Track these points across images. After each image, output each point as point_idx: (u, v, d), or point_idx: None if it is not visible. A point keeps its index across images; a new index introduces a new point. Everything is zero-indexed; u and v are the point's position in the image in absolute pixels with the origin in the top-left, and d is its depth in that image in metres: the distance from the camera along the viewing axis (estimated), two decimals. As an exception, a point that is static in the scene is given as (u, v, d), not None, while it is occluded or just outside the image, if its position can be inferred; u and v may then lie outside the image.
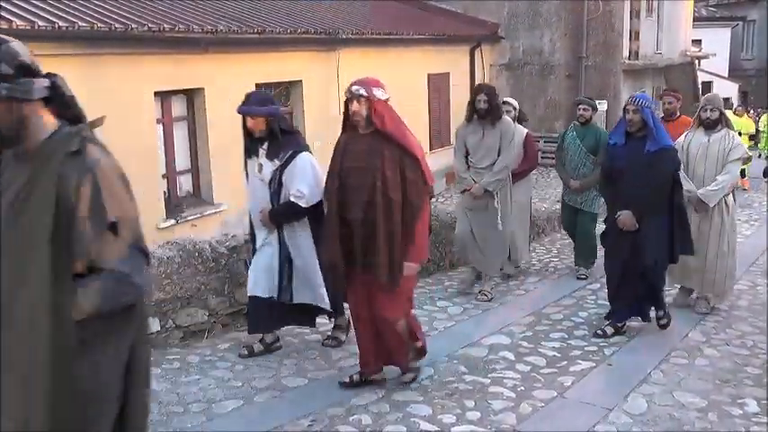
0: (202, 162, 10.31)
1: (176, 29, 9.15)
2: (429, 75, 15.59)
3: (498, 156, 6.20)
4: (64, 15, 8.05)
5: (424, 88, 15.47)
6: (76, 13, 8.28)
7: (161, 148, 9.71)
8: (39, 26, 7.50)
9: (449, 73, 16.26)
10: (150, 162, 9.18)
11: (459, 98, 16.07)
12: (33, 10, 7.94)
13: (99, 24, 8.18)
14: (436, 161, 13.35)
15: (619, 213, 5.19)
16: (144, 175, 8.92)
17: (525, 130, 7.22)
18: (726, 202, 5.83)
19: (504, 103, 7.04)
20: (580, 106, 7.24)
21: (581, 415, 4.05)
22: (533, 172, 7.66)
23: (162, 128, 9.76)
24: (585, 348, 5.15)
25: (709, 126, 5.80)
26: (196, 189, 10.41)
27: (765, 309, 6.11)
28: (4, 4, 7.74)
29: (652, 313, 5.46)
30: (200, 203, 10.27)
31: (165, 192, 9.74)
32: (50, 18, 7.79)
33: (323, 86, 12.34)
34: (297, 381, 4.47)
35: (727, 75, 32.36)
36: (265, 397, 4.24)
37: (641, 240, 5.15)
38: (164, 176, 9.75)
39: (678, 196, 5.27)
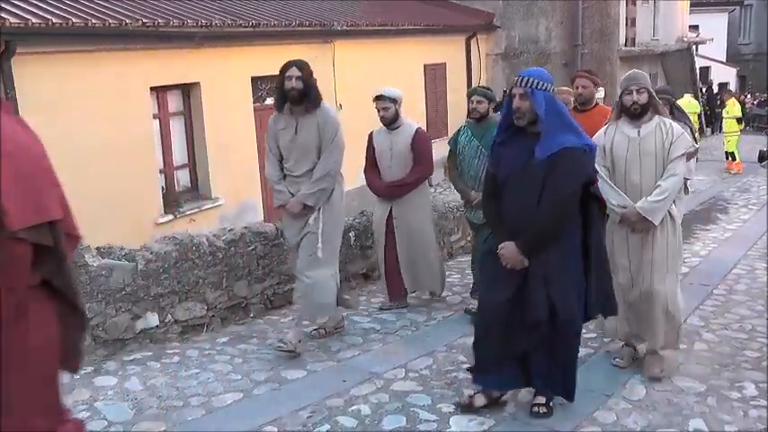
0: (200, 157, 10.31)
1: (170, 24, 9.13)
2: (425, 65, 15.56)
3: (319, 158, 4.68)
4: (57, 12, 8.01)
5: (421, 79, 15.44)
6: (70, 10, 8.24)
7: (158, 143, 9.70)
8: (32, 23, 7.47)
9: (445, 63, 16.23)
10: (147, 157, 9.18)
11: (455, 88, 16.06)
12: (27, 7, 7.89)
13: (93, 20, 8.15)
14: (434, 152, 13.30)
15: (501, 245, 3.63)
16: (141, 171, 8.93)
17: (416, 125, 5.65)
18: (670, 215, 4.25)
19: (379, 98, 5.47)
20: (473, 98, 5.43)
21: (580, 401, 4.05)
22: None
23: (158, 123, 9.75)
24: (584, 335, 5.14)
25: (637, 115, 4.22)
26: (194, 184, 10.40)
27: (763, 292, 6.12)
28: (-3, 2, 7.71)
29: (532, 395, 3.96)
30: (198, 198, 10.27)
31: (162, 187, 9.73)
32: (44, 15, 7.74)
33: (319, 79, 12.27)
34: (296, 373, 4.48)
35: (725, 59, 32.35)
36: (265, 390, 4.25)
37: (530, 283, 3.58)
38: (161, 172, 9.73)
39: (594, 221, 3.71)
